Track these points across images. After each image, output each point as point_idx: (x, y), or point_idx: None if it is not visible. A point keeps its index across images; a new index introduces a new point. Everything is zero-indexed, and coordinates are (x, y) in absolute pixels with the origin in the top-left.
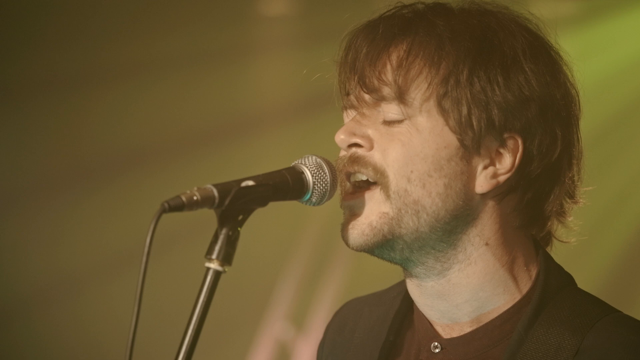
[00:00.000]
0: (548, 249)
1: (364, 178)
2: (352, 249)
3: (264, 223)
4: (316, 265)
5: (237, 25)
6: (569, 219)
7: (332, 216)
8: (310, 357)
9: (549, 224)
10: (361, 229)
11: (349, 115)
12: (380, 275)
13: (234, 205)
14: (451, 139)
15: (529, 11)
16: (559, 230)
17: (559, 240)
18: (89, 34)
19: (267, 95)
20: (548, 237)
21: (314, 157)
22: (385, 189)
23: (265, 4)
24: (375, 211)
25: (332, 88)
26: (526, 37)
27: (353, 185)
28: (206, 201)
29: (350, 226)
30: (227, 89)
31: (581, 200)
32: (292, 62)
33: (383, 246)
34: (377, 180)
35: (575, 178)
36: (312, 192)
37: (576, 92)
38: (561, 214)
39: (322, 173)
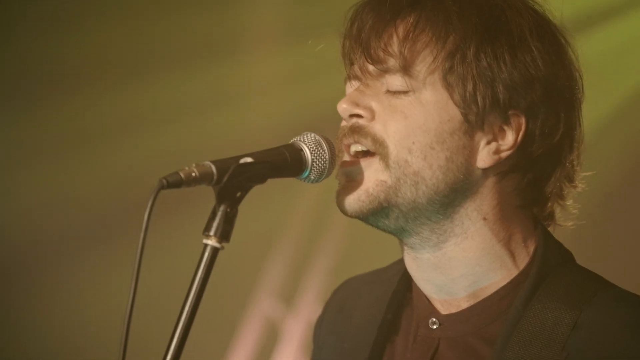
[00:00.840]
0: (552, 225)
1: (364, 149)
2: (347, 214)
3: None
4: (306, 243)
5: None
6: (568, 203)
7: (322, 193)
8: (299, 335)
9: (549, 205)
10: (357, 194)
11: (352, 86)
12: (371, 253)
13: (232, 182)
14: (455, 113)
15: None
16: (557, 213)
17: (557, 224)
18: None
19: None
20: (550, 217)
21: (312, 135)
22: (385, 158)
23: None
24: (372, 178)
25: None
26: (533, 16)
27: (351, 155)
28: (204, 178)
29: (346, 192)
30: (216, 80)
31: (580, 185)
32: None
33: (378, 213)
34: (376, 151)
35: (575, 162)
36: (311, 169)
37: (580, 75)
38: (561, 197)
39: (321, 150)
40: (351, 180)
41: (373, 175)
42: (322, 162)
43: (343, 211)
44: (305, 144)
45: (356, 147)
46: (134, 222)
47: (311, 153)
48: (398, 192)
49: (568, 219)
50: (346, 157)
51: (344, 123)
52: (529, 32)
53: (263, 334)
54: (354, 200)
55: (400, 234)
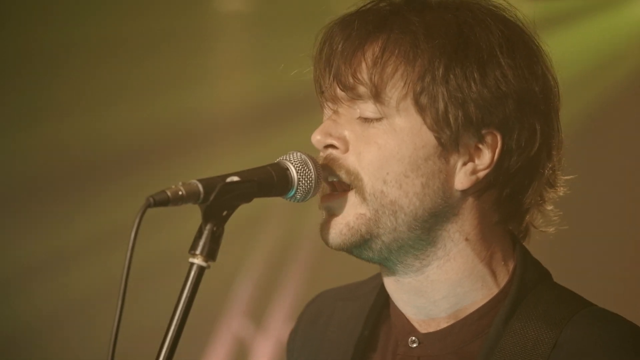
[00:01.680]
0: (527, 241)
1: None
2: (331, 247)
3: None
4: (276, 262)
5: (192, 20)
6: (549, 208)
7: (292, 214)
8: (269, 354)
9: (527, 217)
10: (339, 228)
11: (326, 113)
12: (340, 272)
13: (219, 201)
14: (429, 138)
15: (507, 1)
16: (537, 219)
17: (538, 229)
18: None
19: (221, 92)
20: (526, 230)
21: (298, 154)
22: (361, 191)
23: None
24: (352, 212)
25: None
26: (503, 31)
27: (330, 185)
28: (191, 196)
29: (329, 226)
30: (180, 85)
31: (561, 188)
32: (247, 58)
33: (361, 246)
34: (352, 183)
35: (556, 167)
36: (297, 188)
37: (555, 82)
38: (540, 203)
39: (307, 169)
40: (332, 214)
41: (352, 209)
42: (308, 182)
43: (327, 244)
44: (291, 163)
45: (332, 178)
46: (118, 234)
47: (297, 172)
48: (378, 224)
49: (549, 225)
50: (325, 187)
51: (321, 152)
52: (498, 47)
53: (233, 353)
54: (336, 234)
55: (384, 263)
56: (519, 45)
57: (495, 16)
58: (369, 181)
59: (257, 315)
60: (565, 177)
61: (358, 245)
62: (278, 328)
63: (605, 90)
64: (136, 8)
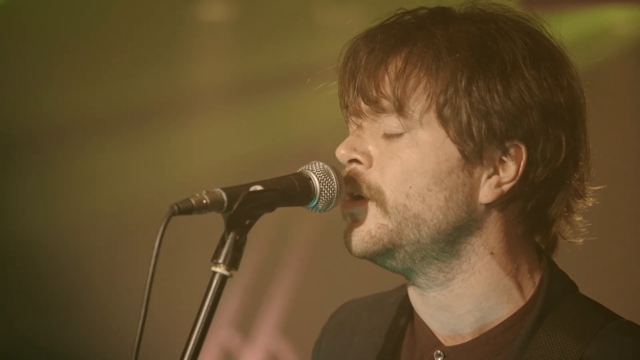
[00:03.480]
0: (555, 253)
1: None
2: (354, 255)
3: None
4: (264, 272)
5: (174, 30)
6: (577, 219)
7: (280, 223)
8: None
9: (554, 228)
10: (361, 236)
11: (350, 127)
12: (329, 285)
13: (242, 210)
14: (452, 151)
15: (533, 12)
16: (566, 231)
17: (566, 240)
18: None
19: (202, 99)
20: (554, 242)
21: (321, 164)
22: (382, 204)
23: (203, 9)
24: (373, 221)
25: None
26: (527, 42)
27: (352, 198)
28: (215, 205)
29: (352, 233)
30: (162, 94)
31: (590, 199)
32: (228, 67)
33: (384, 255)
34: (372, 197)
35: (584, 177)
36: (319, 198)
37: (582, 92)
38: (568, 214)
39: (329, 179)
40: (355, 220)
41: (374, 219)
42: (331, 191)
43: (350, 252)
44: (314, 173)
45: (354, 192)
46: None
47: (319, 182)
48: (401, 235)
49: (578, 236)
50: (347, 198)
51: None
52: (522, 59)
53: None
54: (358, 242)
55: (408, 274)
56: (543, 56)
57: (520, 28)
58: (391, 195)
59: (245, 326)
60: (594, 188)
61: (381, 254)
62: (266, 339)
63: None
64: (122, 17)
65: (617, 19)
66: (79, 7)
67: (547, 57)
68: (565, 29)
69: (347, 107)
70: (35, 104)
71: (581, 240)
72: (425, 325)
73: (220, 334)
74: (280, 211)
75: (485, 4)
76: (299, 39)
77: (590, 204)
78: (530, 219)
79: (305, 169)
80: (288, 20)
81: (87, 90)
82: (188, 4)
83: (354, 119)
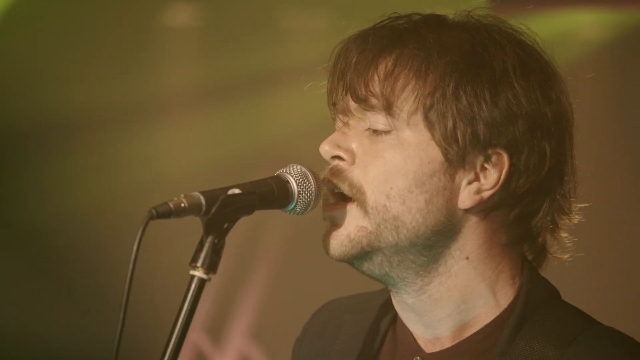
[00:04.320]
0: (543, 265)
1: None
2: (333, 258)
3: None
4: (233, 275)
5: (142, 35)
6: (563, 236)
7: (251, 228)
8: None
9: (540, 240)
10: (340, 239)
11: (337, 124)
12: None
13: (221, 213)
14: (436, 154)
15: (526, 26)
16: (553, 246)
17: (554, 256)
18: None
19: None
20: (543, 253)
21: (298, 167)
22: (363, 205)
23: (170, 15)
24: (353, 224)
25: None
26: (518, 53)
27: (334, 196)
28: (193, 208)
29: (331, 237)
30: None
31: (576, 216)
32: (197, 72)
33: (362, 258)
34: (353, 196)
35: (570, 194)
36: (297, 201)
37: (570, 108)
38: (554, 229)
39: (307, 182)
40: (334, 224)
41: (353, 221)
42: (308, 194)
43: (329, 254)
44: (292, 176)
45: (336, 190)
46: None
47: (297, 185)
48: (380, 237)
49: (565, 252)
50: (329, 197)
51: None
52: (512, 69)
53: None
54: (337, 245)
55: (385, 280)
56: (534, 68)
57: (512, 39)
58: (371, 195)
59: (216, 330)
60: (580, 205)
61: (359, 257)
62: (236, 343)
63: None
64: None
65: (585, 22)
66: (50, 11)
67: (537, 69)
68: (534, 30)
69: (334, 104)
70: (6, 106)
71: (567, 256)
72: (408, 329)
73: (191, 338)
74: (255, 217)
75: (480, 15)
76: (266, 44)
77: (575, 221)
78: (514, 229)
79: (282, 172)
80: (255, 25)
81: (56, 94)
82: (156, 10)
83: (340, 116)
